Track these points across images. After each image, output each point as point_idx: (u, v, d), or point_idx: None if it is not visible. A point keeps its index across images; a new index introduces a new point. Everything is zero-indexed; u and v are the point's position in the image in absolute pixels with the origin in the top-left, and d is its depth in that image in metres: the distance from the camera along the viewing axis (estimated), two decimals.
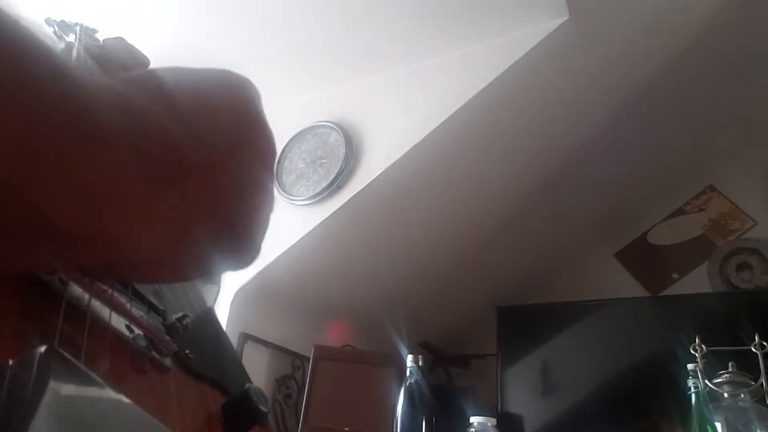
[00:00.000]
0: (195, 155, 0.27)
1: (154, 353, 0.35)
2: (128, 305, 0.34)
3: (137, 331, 0.34)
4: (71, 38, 0.61)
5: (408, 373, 1.58)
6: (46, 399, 0.19)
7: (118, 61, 0.61)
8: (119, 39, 0.66)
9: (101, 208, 0.23)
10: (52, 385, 0.19)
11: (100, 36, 0.66)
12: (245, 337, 1.87)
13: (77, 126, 0.22)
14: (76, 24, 0.64)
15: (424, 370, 1.77)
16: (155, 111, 0.26)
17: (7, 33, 0.20)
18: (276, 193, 1.94)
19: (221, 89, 0.32)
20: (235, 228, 0.30)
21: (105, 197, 0.23)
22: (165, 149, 0.26)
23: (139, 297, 0.37)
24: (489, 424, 1.62)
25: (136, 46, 0.68)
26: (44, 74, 0.21)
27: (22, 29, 0.21)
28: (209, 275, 0.32)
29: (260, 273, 1.84)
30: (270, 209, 0.32)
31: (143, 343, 0.34)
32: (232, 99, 0.32)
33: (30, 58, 0.21)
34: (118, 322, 0.33)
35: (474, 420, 1.62)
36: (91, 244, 0.24)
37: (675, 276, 2.54)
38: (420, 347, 2.41)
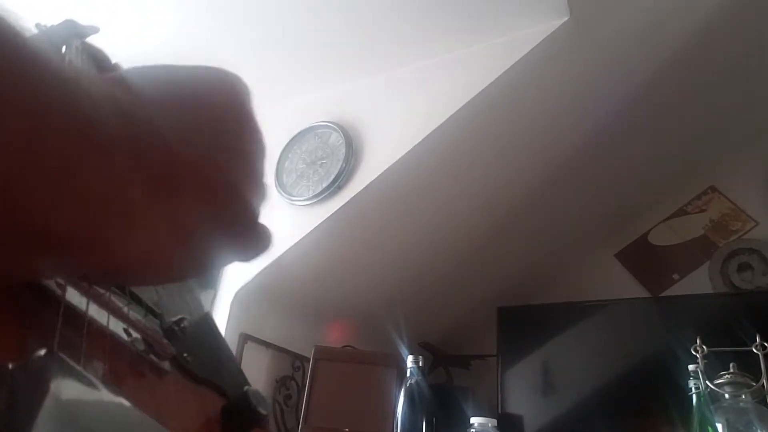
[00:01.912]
0: (188, 155, 0.28)
1: (152, 356, 0.34)
2: (125, 309, 0.34)
3: (135, 334, 0.33)
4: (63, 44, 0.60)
5: (408, 374, 1.58)
6: (48, 403, 0.19)
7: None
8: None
9: (100, 215, 0.23)
10: (53, 389, 0.19)
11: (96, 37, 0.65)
12: (245, 338, 1.87)
13: (80, 135, 0.22)
14: (69, 26, 0.63)
15: (425, 371, 1.77)
16: (149, 113, 0.27)
17: (9, 41, 0.20)
18: (276, 193, 1.94)
19: (210, 86, 0.32)
20: (237, 219, 0.30)
21: (104, 205, 0.23)
22: (160, 152, 0.26)
23: (136, 300, 0.37)
24: (489, 425, 1.61)
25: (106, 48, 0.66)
26: (48, 82, 0.21)
27: (24, 37, 0.21)
28: (213, 270, 0.33)
29: (260, 273, 1.84)
30: (262, 200, 0.33)
31: (141, 346, 0.33)
32: (222, 96, 0.32)
33: (33, 66, 0.21)
34: (116, 326, 0.32)
35: (474, 421, 1.62)
36: (89, 251, 0.24)
37: (676, 276, 2.54)
38: (420, 347, 2.41)
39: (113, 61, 0.64)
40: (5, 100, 0.19)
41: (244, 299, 1.88)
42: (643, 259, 2.63)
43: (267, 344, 1.96)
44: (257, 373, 1.89)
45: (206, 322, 0.48)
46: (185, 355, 0.38)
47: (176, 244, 0.28)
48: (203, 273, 0.32)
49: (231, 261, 0.32)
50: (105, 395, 0.23)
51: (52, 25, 0.62)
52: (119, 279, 0.30)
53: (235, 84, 0.33)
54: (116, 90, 0.26)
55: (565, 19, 1.63)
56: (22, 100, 0.20)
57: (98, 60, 0.62)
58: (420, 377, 1.57)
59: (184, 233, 0.28)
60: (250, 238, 0.32)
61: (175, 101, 0.29)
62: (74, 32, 0.63)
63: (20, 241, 0.21)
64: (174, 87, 0.30)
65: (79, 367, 0.22)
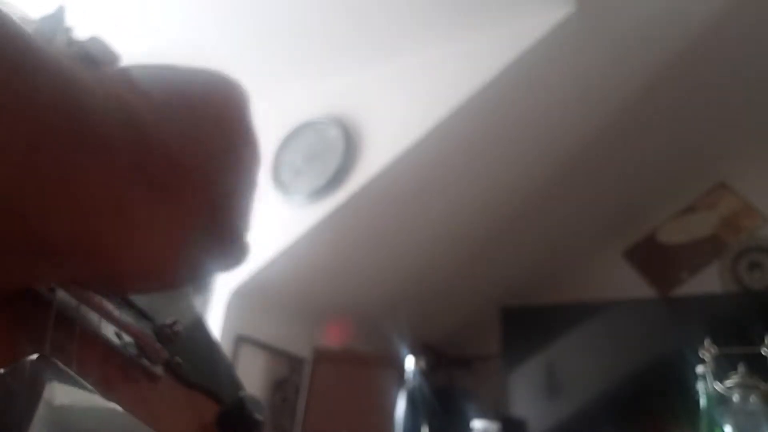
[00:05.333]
0: (188, 162, 0.28)
1: (144, 361, 0.34)
2: (117, 312, 0.33)
3: (127, 338, 0.33)
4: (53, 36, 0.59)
5: (408, 376, 1.56)
6: (41, 409, 0.19)
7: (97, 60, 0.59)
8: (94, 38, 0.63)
9: (99, 221, 0.23)
10: (46, 394, 0.20)
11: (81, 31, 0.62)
12: (241, 340, 1.84)
13: (81, 140, 0.22)
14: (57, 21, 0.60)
15: (425, 372, 1.74)
16: (152, 118, 0.26)
17: (13, 43, 0.20)
18: (273, 190, 1.91)
19: (210, 92, 0.32)
20: (224, 231, 0.31)
21: (105, 213, 0.23)
22: (163, 157, 0.26)
23: (128, 303, 0.36)
24: (492, 429, 1.59)
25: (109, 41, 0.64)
26: (50, 84, 0.21)
27: (28, 40, 0.21)
28: (202, 278, 0.33)
29: (257, 273, 1.81)
30: (252, 210, 0.33)
31: (133, 350, 0.33)
32: (220, 103, 0.32)
33: (34, 66, 0.20)
34: (108, 329, 0.32)
35: (476, 424, 1.59)
36: (89, 259, 0.24)
37: (684, 275, 2.50)
38: (421, 348, 2.38)
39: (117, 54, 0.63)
40: (3, 106, 0.19)
41: (240, 300, 1.85)
42: (651, 257, 2.59)
43: (263, 346, 1.93)
44: (253, 375, 1.86)
45: (200, 326, 0.48)
46: (178, 359, 0.38)
47: (172, 250, 0.28)
48: (194, 281, 0.33)
49: (217, 269, 0.33)
50: (99, 401, 0.23)
51: (44, 16, 0.61)
52: (116, 286, 0.30)
53: (235, 91, 0.33)
54: (122, 87, 0.26)
55: (572, 9, 1.59)
56: (21, 105, 0.19)
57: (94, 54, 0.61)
58: (420, 379, 1.55)
59: (180, 238, 0.28)
60: (234, 249, 0.32)
61: (178, 104, 0.29)
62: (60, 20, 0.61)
63: (18, 247, 0.21)
64: (177, 89, 0.30)
65: (71, 372, 0.22)
